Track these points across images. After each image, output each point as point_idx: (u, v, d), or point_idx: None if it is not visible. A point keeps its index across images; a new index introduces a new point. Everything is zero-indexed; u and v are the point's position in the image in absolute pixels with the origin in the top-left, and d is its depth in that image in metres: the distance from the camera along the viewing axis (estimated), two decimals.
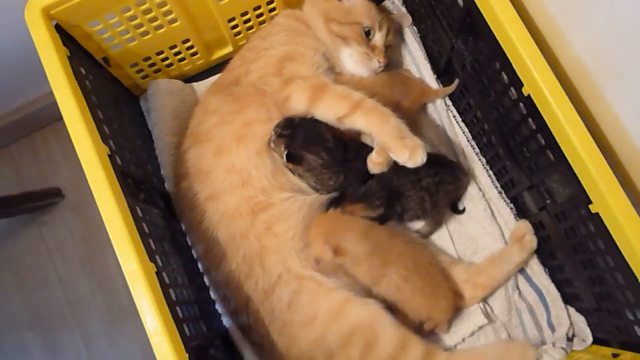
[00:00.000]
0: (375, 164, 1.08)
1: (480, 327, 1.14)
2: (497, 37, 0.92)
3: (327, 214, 1.08)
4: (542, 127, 0.90)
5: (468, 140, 1.27)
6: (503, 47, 0.91)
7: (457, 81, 1.23)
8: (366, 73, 1.21)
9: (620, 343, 1.01)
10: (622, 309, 0.95)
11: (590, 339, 1.10)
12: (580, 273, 1.03)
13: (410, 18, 1.33)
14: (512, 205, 1.22)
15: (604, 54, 0.84)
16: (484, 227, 1.22)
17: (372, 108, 1.05)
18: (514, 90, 0.96)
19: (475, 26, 0.99)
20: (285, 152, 1.07)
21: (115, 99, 1.17)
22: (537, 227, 1.14)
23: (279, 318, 1.03)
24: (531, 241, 1.14)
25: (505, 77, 0.97)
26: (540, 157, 0.97)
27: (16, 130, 1.42)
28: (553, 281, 1.17)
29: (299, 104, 1.09)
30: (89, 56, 1.10)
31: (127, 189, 0.92)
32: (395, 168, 1.08)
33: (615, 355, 1.01)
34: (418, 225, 1.22)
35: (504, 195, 1.23)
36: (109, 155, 0.91)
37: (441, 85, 1.29)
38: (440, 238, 1.24)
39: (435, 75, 1.29)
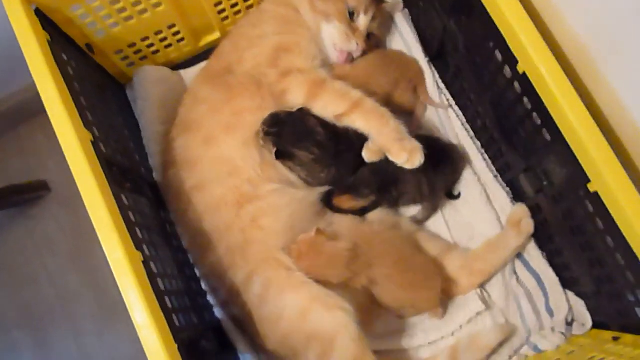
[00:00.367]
0: (372, 152, 1.06)
1: (478, 314, 1.11)
2: (490, 13, 0.90)
3: (308, 244, 1.03)
4: (538, 105, 0.88)
5: (462, 124, 1.25)
6: (496, 23, 0.89)
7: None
8: (341, 57, 1.17)
9: (621, 326, 0.99)
10: (622, 291, 0.93)
11: (589, 323, 1.08)
12: (579, 256, 1.01)
13: (401, 4, 1.30)
14: (508, 189, 1.20)
15: (602, 28, 0.81)
16: (480, 213, 1.20)
17: (371, 109, 1.04)
18: (508, 69, 0.94)
19: (468, 4, 0.96)
20: (275, 150, 1.04)
21: (100, 87, 1.14)
22: (534, 211, 1.12)
23: (253, 313, 1.01)
24: (528, 225, 1.12)
25: (499, 55, 0.95)
26: (536, 137, 0.95)
27: (0, 123, 1.38)
28: (551, 265, 1.14)
29: (296, 99, 1.07)
30: (72, 43, 1.07)
31: (112, 177, 0.89)
32: None
33: (615, 339, 0.99)
34: (413, 211, 1.20)
35: (499, 179, 1.21)
36: (92, 142, 0.88)
37: (434, 69, 1.27)
38: (436, 224, 1.21)
39: (427, 59, 1.26)
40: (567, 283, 1.12)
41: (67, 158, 0.83)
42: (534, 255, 1.16)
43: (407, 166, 1.01)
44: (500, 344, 1.09)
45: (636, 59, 0.79)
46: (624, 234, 0.82)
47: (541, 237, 1.15)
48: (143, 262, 0.83)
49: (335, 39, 1.16)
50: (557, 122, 0.85)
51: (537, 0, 0.91)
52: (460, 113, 1.25)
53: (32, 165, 1.35)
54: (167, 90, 1.25)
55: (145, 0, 1.08)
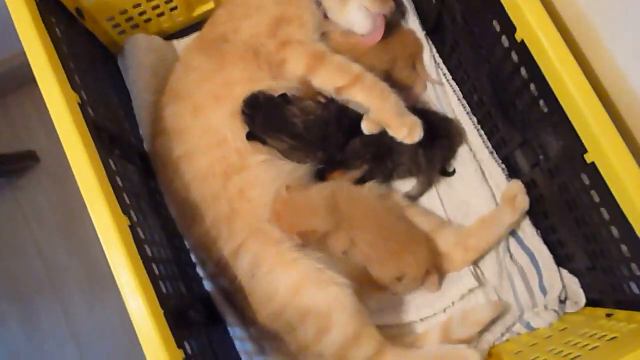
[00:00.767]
0: (372, 123, 1.05)
1: (470, 290, 1.10)
2: None
3: (283, 200, 1.02)
4: (535, 74, 0.86)
5: (459, 99, 1.23)
6: None
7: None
8: (380, 20, 1.13)
9: (615, 301, 0.98)
10: (616, 265, 0.92)
11: (583, 300, 1.07)
12: (574, 231, 0.99)
13: None
14: (503, 165, 1.19)
15: None
16: (475, 189, 1.18)
17: (371, 83, 1.03)
18: (505, 39, 0.92)
19: None
20: (246, 132, 1.03)
21: (90, 54, 1.12)
22: (530, 187, 1.11)
23: (244, 286, 0.99)
24: (523, 201, 1.11)
25: (497, 25, 0.93)
26: (533, 109, 0.94)
27: None
28: (545, 243, 1.13)
29: (295, 69, 1.05)
30: (61, 7, 1.05)
31: (100, 141, 0.87)
32: None
33: (609, 315, 0.98)
34: (408, 187, 1.18)
35: (495, 155, 1.20)
36: (79, 105, 0.86)
37: (431, 43, 1.25)
38: (430, 201, 1.20)
39: (424, 32, 1.24)
40: (561, 260, 1.11)
41: (52, 119, 0.81)
42: (528, 232, 1.15)
43: (407, 141, 1.02)
44: (493, 321, 1.08)
45: (637, 26, 0.77)
46: (620, 205, 0.80)
47: (536, 214, 1.13)
48: (129, 226, 0.81)
49: (369, 3, 1.12)
50: (554, 90, 0.83)
51: None
52: (456, 88, 1.23)
53: (21, 136, 1.32)
54: (159, 59, 1.22)
55: None
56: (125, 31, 1.23)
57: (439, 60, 1.25)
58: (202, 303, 1.06)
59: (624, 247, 0.87)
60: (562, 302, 1.10)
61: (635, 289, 0.90)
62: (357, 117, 1.10)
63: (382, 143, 1.07)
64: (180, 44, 1.30)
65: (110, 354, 1.22)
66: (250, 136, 1.03)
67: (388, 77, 1.12)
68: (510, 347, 1.05)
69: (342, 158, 1.09)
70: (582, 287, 1.07)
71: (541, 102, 0.90)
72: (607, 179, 0.81)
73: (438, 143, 1.12)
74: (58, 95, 0.82)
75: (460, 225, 1.15)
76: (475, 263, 1.12)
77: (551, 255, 1.12)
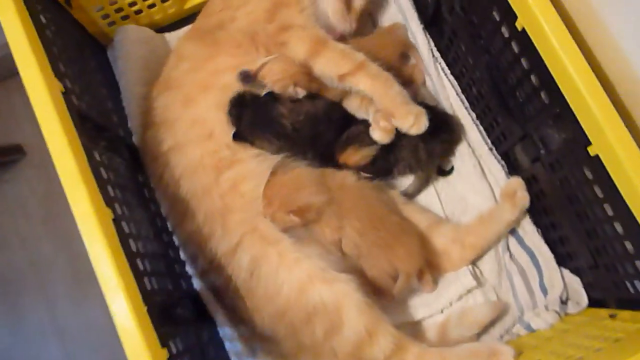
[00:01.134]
0: (385, 131, 1.01)
1: (469, 290, 1.07)
2: None
3: (271, 183, 0.99)
4: (537, 64, 0.83)
5: (457, 94, 1.20)
6: None
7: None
8: (333, 36, 1.11)
9: (618, 301, 0.94)
10: (620, 262, 0.88)
11: (585, 301, 1.03)
12: (576, 227, 0.96)
13: None
14: (503, 162, 1.15)
15: None
16: (474, 186, 1.15)
17: (376, 71, 1.01)
18: (506, 28, 0.89)
19: None
20: (233, 132, 1.00)
21: (78, 44, 1.09)
22: (530, 184, 1.07)
23: (242, 285, 0.96)
24: (523, 198, 1.07)
25: (497, 14, 0.90)
26: (534, 100, 0.90)
27: None
28: (546, 241, 1.10)
29: (296, 53, 1.02)
30: None
31: (84, 131, 0.84)
32: None
33: (612, 316, 0.94)
34: (404, 184, 1.15)
35: (494, 151, 1.16)
36: (63, 93, 0.83)
37: (428, 36, 1.22)
38: (428, 197, 1.17)
39: (422, 26, 1.21)
40: (562, 260, 1.08)
41: (33, 105, 0.78)
42: (529, 230, 1.12)
43: (413, 131, 0.99)
44: (492, 322, 1.05)
45: None
46: (625, 199, 0.77)
47: (536, 212, 1.10)
48: (113, 220, 0.78)
49: (330, 14, 1.10)
50: (556, 79, 0.80)
51: None
52: (455, 82, 1.20)
53: (6, 128, 1.29)
54: (150, 51, 1.19)
55: None
56: (115, 22, 1.20)
57: (437, 54, 1.22)
58: (190, 301, 1.03)
59: (628, 244, 0.83)
60: (563, 302, 1.06)
61: None
62: (349, 113, 1.07)
63: None
64: (172, 36, 1.27)
65: (96, 351, 1.19)
66: (236, 137, 0.99)
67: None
68: None
69: (347, 137, 1.06)
70: (584, 286, 1.04)
71: (542, 93, 0.87)
72: (611, 172, 0.77)
73: (438, 137, 1.09)
74: (39, 82, 0.78)
75: (459, 223, 1.12)
76: (474, 262, 1.09)
77: (552, 254, 1.09)
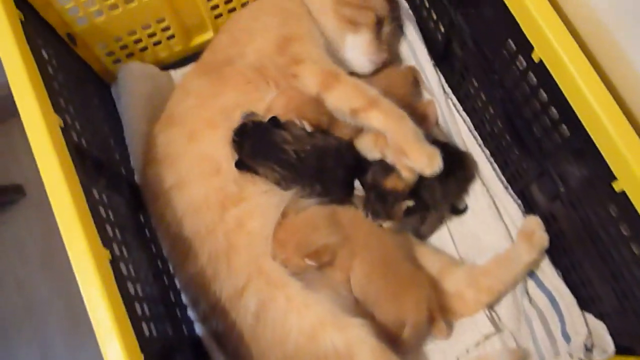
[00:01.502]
0: (412, 170, 0.97)
1: (486, 337, 1.01)
2: None
3: (282, 227, 0.95)
4: (555, 96, 0.79)
5: (470, 130, 1.16)
6: (509, 6, 0.81)
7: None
8: (367, 67, 1.12)
9: None
10: None
11: (612, 348, 0.97)
12: (600, 269, 0.91)
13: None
14: (519, 200, 1.11)
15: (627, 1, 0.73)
16: (489, 225, 1.10)
17: (389, 107, 0.98)
18: (522, 60, 0.86)
19: None
20: (235, 160, 0.96)
21: (81, 80, 1.07)
22: (548, 223, 1.03)
23: (247, 331, 0.90)
24: (542, 238, 1.03)
25: (512, 45, 0.87)
26: (552, 135, 0.87)
27: None
28: (567, 284, 1.04)
29: (308, 85, 1.00)
30: (52, 31, 1.00)
31: (83, 168, 0.80)
32: None
33: None
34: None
35: (510, 189, 1.12)
36: (62, 128, 0.80)
37: (439, 72, 1.19)
38: (441, 238, 1.12)
39: (432, 62, 1.19)
40: (585, 303, 1.02)
41: (29, 140, 0.74)
42: (548, 272, 1.06)
43: (427, 172, 0.95)
44: None
45: None
46: None
47: (555, 252, 1.05)
48: (111, 261, 0.74)
49: (365, 49, 1.10)
50: (577, 112, 0.76)
51: None
52: (467, 119, 1.17)
53: (7, 168, 1.26)
54: (154, 88, 1.17)
55: None
56: (121, 60, 1.18)
57: (448, 90, 1.19)
58: (191, 348, 0.97)
59: None
60: (588, 349, 1.00)
61: None
62: (363, 159, 1.04)
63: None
64: (177, 74, 1.25)
65: None
66: (239, 165, 0.96)
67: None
68: None
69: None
70: (611, 332, 0.98)
71: (562, 127, 0.83)
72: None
73: (452, 176, 1.05)
74: (37, 115, 0.76)
75: (473, 264, 1.07)
76: (490, 306, 1.04)
77: (574, 298, 1.03)
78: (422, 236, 1.10)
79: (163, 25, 1.14)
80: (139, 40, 1.15)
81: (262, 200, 0.96)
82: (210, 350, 0.99)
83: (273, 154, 0.97)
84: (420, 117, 1.15)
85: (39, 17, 0.95)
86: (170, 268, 1.04)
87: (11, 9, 0.83)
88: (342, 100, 1.00)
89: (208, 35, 1.23)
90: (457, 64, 1.12)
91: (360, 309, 0.94)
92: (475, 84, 1.08)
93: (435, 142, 1.05)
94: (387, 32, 1.14)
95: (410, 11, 1.23)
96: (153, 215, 1.04)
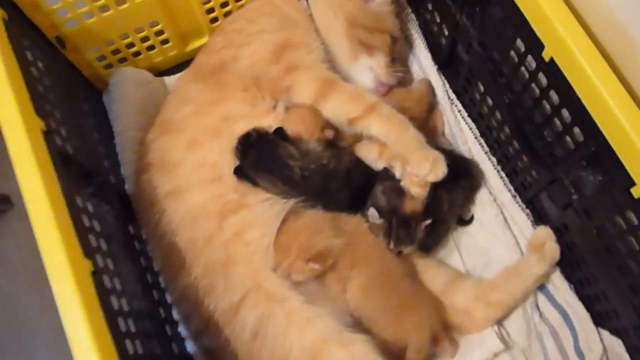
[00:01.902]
0: (420, 185, 0.94)
1: (495, 355, 0.96)
2: None
3: (284, 231, 0.90)
4: (568, 97, 0.74)
5: (476, 138, 1.12)
6: (516, 1, 0.77)
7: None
8: (383, 90, 1.08)
9: None
10: None
11: None
12: (617, 282, 0.85)
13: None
14: (528, 210, 1.06)
15: None
16: (497, 236, 1.05)
17: (388, 113, 0.95)
18: (531, 60, 0.81)
19: None
20: (234, 166, 0.92)
21: (71, 85, 1.03)
22: (560, 233, 0.98)
23: (243, 348, 0.85)
24: (553, 249, 0.98)
25: (521, 45, 0.83)
26: (565, 138, 0.82)
27: None
28: (580, 298, 0.99)
29: (303, 96, 0.97)
30: (39, 32, 0.96)
31: (67, 175, 0.76)
32: None
33: None
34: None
35: (518, 199, 1.07)
36: (44, 132, 0.75)
37: (443, 78, 1.15)
38: (446, 250, 1.07)
39: (436, 67, 1.15)
40: (600, 319, 0.96)
41: (7, 143, 0.70)
42: (560, 286, 1.01)
43: (430, 178, 0.92)
44: None
45: None
46: None
47: (568, 265, 1.00)
48: (92, 273, 0.69)
49: (379, 73, 1.06)
50: (592, 113, 0.71)
51: None
52: (473, 126, 1.13)
53: None
54: (147, 94, 1.13)
55: None
56: (113, 65, 1.14)
57: (453, 96, 1.15)
58: None
59: None
60: None
61: None
62: (371, 175, 0.99)
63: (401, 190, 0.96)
64: (172, 80, 1.20)
65: None
66: (238, 172, 0.91)
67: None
68: None
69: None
70: (628, 349, 0.92)
71: (575, 130, 0.78)
72: None
73: (459, 185, 1.01)
74: (16, 117, 0.71)
75: (481, 278, 1.02)
76: (499, 322, 0.99)
77: (588, 313, 0.98)
78: (428, 249, 1.04)
79: (157, 29, 1.10)
80: (131, 45, 1.11)
81: (263, 209, 0.91)
82: None
83: (277, 169, 0.93)
84: (429, 129, 1.11)
85: (25, 18, 0.92)
86: (162, 281, 0.99)
87: None
88: (339, 108, 0.96)
89: (204, 40, 1.19)
90: (462, 68, 1.08)
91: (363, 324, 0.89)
92: (482, 88, 1.04)
93: (440, 150, 1.01)
94: (399, 49, 1.11)
95: (413, 15, 1.19)
96: (146, 225, 0.99)
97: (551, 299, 1.01)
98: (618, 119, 0.67)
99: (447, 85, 1.15)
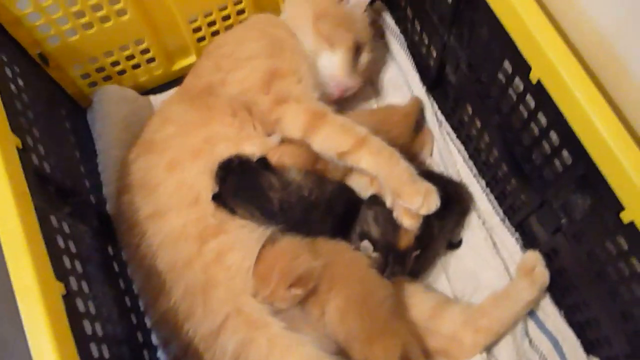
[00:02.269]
0: (413, 216, 0.92)
1: None
2: (496, 13, 0.77)
3: (262, 259, 0.88)
4: (556, 119, 0.73)
5: (464, 160, 1.10)
6: (504, 24, 0.76)
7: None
8: (338, 90, 1.07)
9: None
10: None
11: None
12: (608, 308, 0.83)
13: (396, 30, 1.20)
14: (517, 234, 1.04)
15: (632, 13, 0.67)
16: (485, 261, 1.03)
17: (378, 147, 0.93)
18: (519, 82, 0.80)
19: (471, 9, 0.84)
20: (213, 192, 0.90)
21: (52, 102, 1.01)
22: (550, 258, 0.96)
23: None
24: (542, 274, 0.96)
25: (508, 66, 0.81)
26: (554, 161, 0.80)
27: None
28: (571, 325, 0.97)
29: (292, 129, 0.95)
30: (20, 49, 0.95)
31: (42, 194, 0.74)
32: None
33: None
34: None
35: (507, 222, 1.05)
36: (19, 149, 0.73)
37: (432, 99, 1.14)
38: (433, 275, 1.05)
39: (425, 88, 1.14)
40: (591, 347, 0.94)
41: None
42: (550, 312, 0.99)
43: (423, 211, 0.91)
44: None
45: None
46: None
47: (558, 290, 0.97)
48: (65, 296, 0.66)
49: (336, 69, 1.06)
50: (580, 136, 0.70)
51: None
52: (461, 148, 1.11)
53: None
54: (132, 113, 1.11)
55: (107, 4, 0.96)
56: (97, 83, 1.13)
57: (441, 117, 1.13)
58: None
59: None
60: None
61: None
62: (356, 202, 0.97)
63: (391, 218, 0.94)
64: (158, 99, 1.19)
65: None
66: (217, 198, 0.89)
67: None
68: None
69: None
70: None
71: (564, 153, 0.76)
72: None
73: (449, 210, 0.99)
74: None
75: (469, 303, 1.00)
76: (488, 349, 0.96)
77: (578, 340, 0.95)
78: (416, 275, 1.02)
79: (142, 47, 1.09)
80: (116, 63, 1.10)
81: (243, 234, 0.89)
82: None
83: (256, 199, 0.91)
84: (416, 150, 1.10)
85: (6, 34, 0.90)
86: (141, 305, 0.96)
87: None
88: (328, 142, 0.95)
89: (191, 59, 1.18)
90: (450, 89, 1.07)
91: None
92: (470, 110, 1.02)
93: (429, 173, 0.99)
94: (365, 61, 1.10)
95: (401, 36, 1.19)
96: (126, 247, 0.96)
97: (541, 326, 0.99)
98: (606, 142, 0.66)
99: (436, 107, 1.14)
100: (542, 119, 0.79)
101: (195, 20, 1.10)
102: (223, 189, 0.89)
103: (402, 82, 1.18)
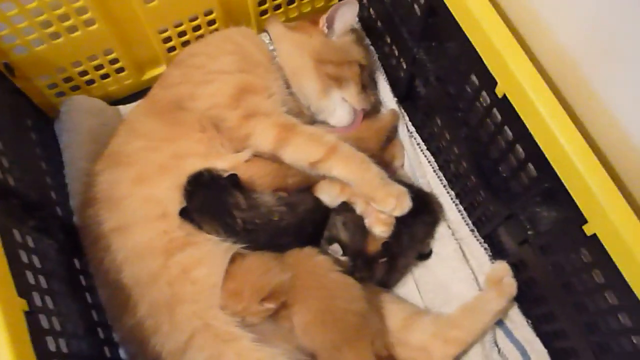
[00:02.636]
0: (386, 223, 0.95)
1: None
2: (463, 28, 0.78)
3: (232, 275, 0.87)
4: (521, 133, 0.74)
5: (435, 171, 1.11)
6: (471, 39, 0.77)
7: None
8: (360, 117, 1.08)
9: None
10: None
11: None
12: (574, 319, 0.84)
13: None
14: (486, 245, 1.05)
15: (595, 33, 0.69)
16: (455, 271, 1.04)
17: (349, 153, 0.94)
18: (486, 96, 0.81)
19: (439, 23, 0.85)
20: (180, 207, 0.89)
21: (17, 113, 0.99)
22: (518, 269, 0.97)
23: None
24: (510, 285, 0.97)
25: (475, 80, 0.83)
26: (520, 175, 0.82)
27: None
28: (539, 335, 0.98)
29: (262, 143, 0.95)
30: None
31: (5, 208, 0.74)
32: None
33: None
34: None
35: (476, 233, 1.06)
36: None
37: (403, 111, 1.14)
38: (404, 286, 1.05)
39: (396, 99, 1.14)
40: (558, 356, 0.95)
41: None
42: (518, 322, 1.00)
43: (396, 213, 0.93)
44: None
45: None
46: (631, 286, 0.66)
47: (526, 301, 0.99)
48: (27, 312, 0.65)
49: (354, 101, 1.06)
50: (544, 150, 0.71)
51: (513, 10, 0.80)
52: (432, 159, 1.12)
53: None
54: (100, 124, 1.09)
55: (74, 14, 0.95)
56: (65, 93, 1.11)
57: (412, 129, 1.14)
58: None
59: (637, 339, 0.71)
60: None
61: None
62: (323, 222, 0.97)
63: (359, 225, 0.96)
64: (127, 109, 1.17)
65: None
66: (184, 213, 0.88)
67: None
68: None
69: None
70: None
71: (529, 166, 0.78)
72: (612, 254, 0.67)
73: (419, 219, 1.00)
74: None
75: (439, 314, 1.01)
76: (457, 358, 0.97)
77: (546, 350, 0.97)
78: (387, 285, 1.03)
79: (111, 57, 1.08)
80: (85, 73, 1.08)
81: (209, 247, 0.88)
82: None
83: (220, 217, 0.90)
84: (387, 161, 1.11)
85: None
86: (108, 320, 0.94)
87: None
88: (299, 153, 0.95)
89: (161, 69, 1.17)
90: (420, 102, 1.08)
91: None
92: (439, 122, 1.04)
93: (400, 183, 1.00)
94: (367, 76, 1.11)
95: (372, 48, 1.19)
96: (92, 261, 0.94)
97: (509, 335, 1.00)
98: (569, 156, 0.67)
99: (407, 118, 1.15)
100: (508, 132, 0.80)
101: (165, 31, 1.09)
102: (190, 203, 0.88)
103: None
